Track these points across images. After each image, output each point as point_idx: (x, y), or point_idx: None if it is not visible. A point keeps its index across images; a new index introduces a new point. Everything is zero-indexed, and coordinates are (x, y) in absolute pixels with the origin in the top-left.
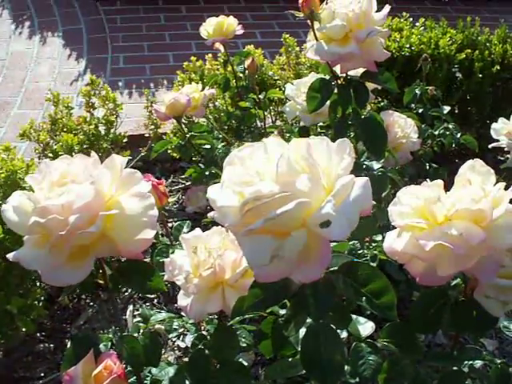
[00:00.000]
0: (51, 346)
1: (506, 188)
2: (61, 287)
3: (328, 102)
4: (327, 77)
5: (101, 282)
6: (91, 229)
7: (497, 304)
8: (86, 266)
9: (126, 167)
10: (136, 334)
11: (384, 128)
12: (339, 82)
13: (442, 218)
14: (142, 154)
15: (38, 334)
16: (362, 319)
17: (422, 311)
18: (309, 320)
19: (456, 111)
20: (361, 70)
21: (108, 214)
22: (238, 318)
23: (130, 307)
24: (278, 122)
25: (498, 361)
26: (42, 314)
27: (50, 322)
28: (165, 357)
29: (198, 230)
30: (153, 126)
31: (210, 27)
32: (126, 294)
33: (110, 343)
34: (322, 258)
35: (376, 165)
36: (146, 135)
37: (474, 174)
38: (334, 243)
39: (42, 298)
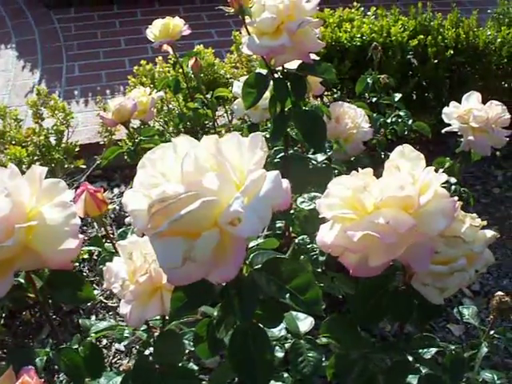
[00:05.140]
0: None
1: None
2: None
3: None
4: (264, 71)
5: (31, 295)
6: (7, 242)
7: (435, 291)
8: (6, 281)
9: (82, 176)
10: (76, 346)
11: (323, 120)
12: (276, 75)
13: (372, 207)
14: (98, 162)
15: (0, 352)
16: (301, 315)
17: (362, 303)
18: None
19: (414, 98)
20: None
21: (25, 225)
22: (174, 322)
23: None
24: (235, 121)
25: (452, 346)
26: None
27: (12, 338)
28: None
29: (134, 236)
30: (107, 133)
31: (156, 29)
32: (89, 304)
33: (45, 357)
34: (235, 256)
35: (320, 157)
36: (102, 143)
37: (403, 160)
38: (262, 240)
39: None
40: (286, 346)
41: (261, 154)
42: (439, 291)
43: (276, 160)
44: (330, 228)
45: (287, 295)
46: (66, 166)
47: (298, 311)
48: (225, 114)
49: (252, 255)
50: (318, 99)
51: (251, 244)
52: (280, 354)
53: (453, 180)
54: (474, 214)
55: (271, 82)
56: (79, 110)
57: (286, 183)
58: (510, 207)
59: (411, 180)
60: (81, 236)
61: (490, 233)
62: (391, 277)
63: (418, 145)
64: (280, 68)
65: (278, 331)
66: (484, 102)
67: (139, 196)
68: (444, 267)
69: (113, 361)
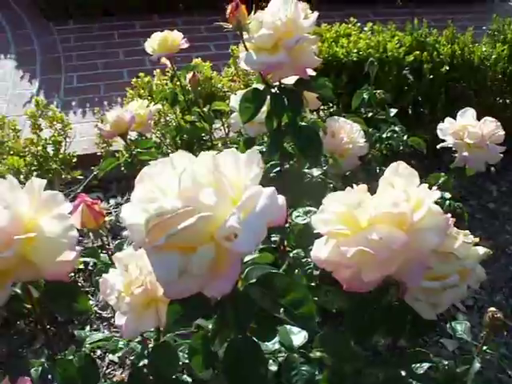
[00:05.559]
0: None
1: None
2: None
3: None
4: (261, 86)
5: (28, 306)
6: (5, 253)
7: (427, 306)
8: (4, 292)
9: (79, 187)
10: (71, 357)
11: (319, 135)
12: (273, 91)
13: (366, 223)
14: (95, 173)
15: None
16: (295, 329)
17: (355, 318)
18: None
19: (410, 112)
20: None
21: (24, 237)
22: (169, 334)
23: None
24: (232, 134)
25: (446, 362)
26: None
27: (6, 347)
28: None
29: (130, 248)
30: (104, 144)
31: (154, 43)
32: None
33: (40, 368)
34: (230, 271)
35: (316, 171)
36: (99, 154)
37: (397, 177)
38: (257, 255)
39: None
40: (280, 359)
41: (257, 171)
42: (432, 307)
43: (272, 174)
44: (325, 243)
45: (282, 310)
46: (63, 176)
47: (292, 325)
48: (222, 127)
49: (247, 270)
50: (315, 113)
51: (246, 258)
52: (273, 368)
53: (447, 195)
54: (467, 231)
55: (268, 97)
56: (77, 121)
57: (281, 199)
58: (504, 222)
59: (405, 197)
60: (78, 248)
61: (482, 250)
62: (385, 292)
63: (414, 159)
64: (277, 83)
65: (272, 345)
66: (479, 117)
67: (137, 210)
68: (436, 283)
69: (106, 371)
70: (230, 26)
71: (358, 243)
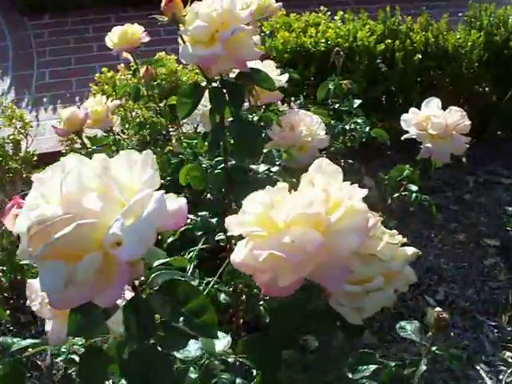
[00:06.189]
0: None
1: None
2: None
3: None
4: (204, 81)
5: None
6: None
7: (352, 311)
8: None
9: None
10: None
11: (258, 130)
12: (214, 85)
13: (283, 224)
14: None
15: None
16: (220, 335)
17: (280, 323)
18: None
19: (384, 102)
20: None
21: None
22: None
23: None
24: (200, 128)
25: (393, 363)
26: None
27: None
28: None
29: None
30: (69, 142)
31: (114, 37)
32: None
33: None
34: (117, 279)
35: (263, 167)
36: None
37: (319, 175)
38: (168, 259)
39: None
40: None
41: (150, 172)
42: (356, 311)
43: (217, 171)
44: (245, 245)
45: (181, 318)
46: (24, 175)
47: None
48: (189, 122)
49: (152, 276)
50: (286, 105)
51: (156, 263)
52: (193, 375)
53: (414, 188)
54: (394, 231)
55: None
56: (48, 118)
57: (178, 203)
58: (480, 214)
59: (324, 196)
60: None
61: (410, 250)
62: (311, 295)
63: (388, 150)
64: (218, 77)
65: (194, 351)
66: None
67: (23, 217)
68: (358, 287)
69: None
70: (166, 19)
71: (271, 246)
